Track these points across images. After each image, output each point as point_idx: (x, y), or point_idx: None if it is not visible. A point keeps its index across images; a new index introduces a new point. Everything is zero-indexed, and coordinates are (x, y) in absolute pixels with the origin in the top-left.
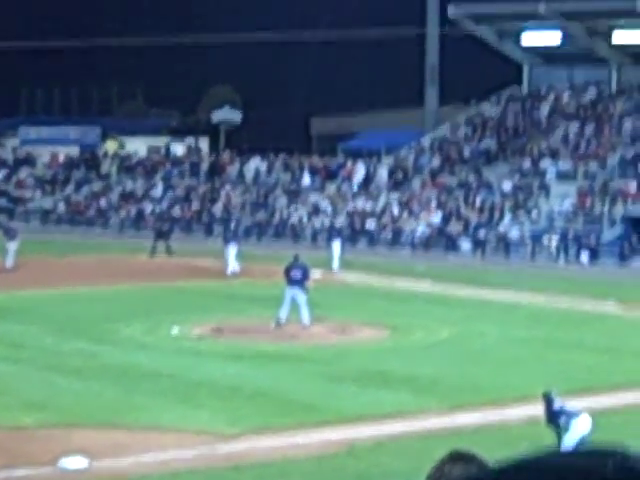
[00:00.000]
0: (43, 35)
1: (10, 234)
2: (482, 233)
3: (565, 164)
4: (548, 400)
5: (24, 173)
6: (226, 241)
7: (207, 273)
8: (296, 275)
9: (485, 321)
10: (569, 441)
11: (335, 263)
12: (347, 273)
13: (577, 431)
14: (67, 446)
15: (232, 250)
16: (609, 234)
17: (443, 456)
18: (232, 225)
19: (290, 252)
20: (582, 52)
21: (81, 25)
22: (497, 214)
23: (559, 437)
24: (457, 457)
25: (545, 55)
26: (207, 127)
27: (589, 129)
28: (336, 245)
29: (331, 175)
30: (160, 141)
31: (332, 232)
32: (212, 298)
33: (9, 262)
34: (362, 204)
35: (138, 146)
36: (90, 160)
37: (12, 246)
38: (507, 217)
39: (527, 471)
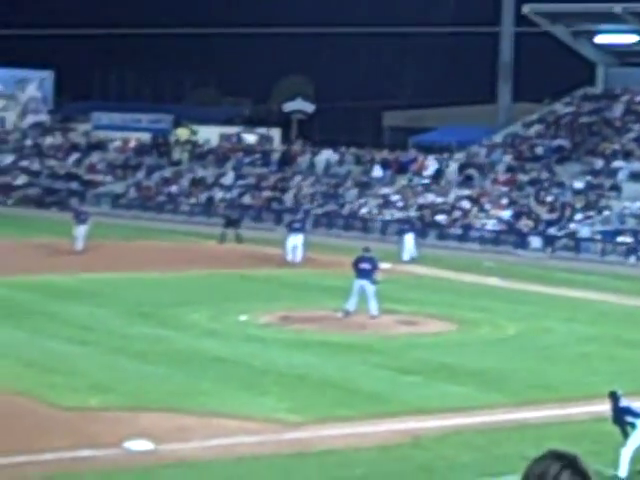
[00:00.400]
0: (119, 21)
1: (81, 218)
2: (552, 230)
3: (638, 165)
4: (615, 398)
5: (96, 157)
6: (292, 230)
7: (276, 261)
8: (365, 267)
9: (553, 318)
10: (635, 440)
11: (406, 254)
12: (416, 266)
13: None
14: (132, 429)
15: (296, 239)
16: None
17: (546, 454)
18: (299, 215)
19: (359, 243)
20: None
21: (158, 13)
22: (568, 212)
23: (625, 435)
24: (564, 461)
25: (620, 55)
26: (279, 117)
27: None
28: (409, 237)
29: (402, 169)
30: (232, 130)
31: (405, 224)
32: (280, 287)
33: (79, 245)
34: (432, 198)
35: (210, 134)
36: (162, 146)
37: (82, 230)
38: (578, 216)
39: None
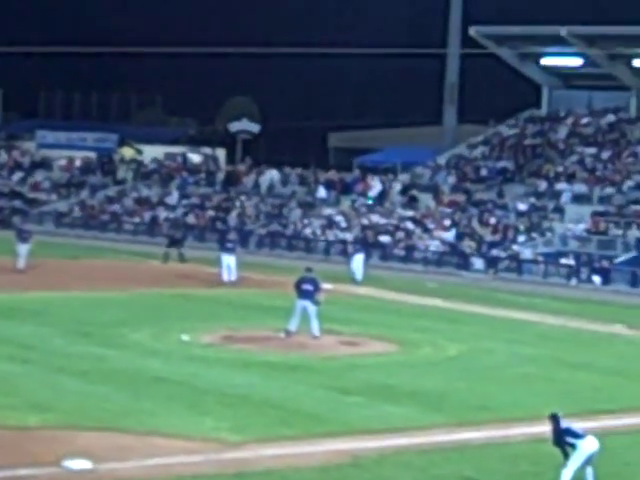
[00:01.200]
0: (65, 40)
1: (23, 236)
2: (495, 252)
3: (581, 187)
4: (555, 420)
5: (40, 176)
6: (224, 250)
7: (219, 282)
8: (307, 288)
9: (494, 339)
10: (576, 461)
11: (359, 275)
12: (358, 287)
13: (584, 451)
14: (71, 448)
15: (229, 259)
16: (622, 258)
17: None
18: (232, 235)
19: (303, 264)
20: (602, 76)
21: (104, 32)
22: (511, 234)
23: (566, 456)
24: None
25: (565, 78)
26: (224, 137)
27: (606, 153)
28: (359, 258)
29: (346, 189)
30: (177, 150)
31: (356, 245)
32: (223, 306)
33: (21, 263)
34: (376, 219)
35: (155, 154)
36: (106, 165)
37: (24, 248)
38: (521, 237)
39: None
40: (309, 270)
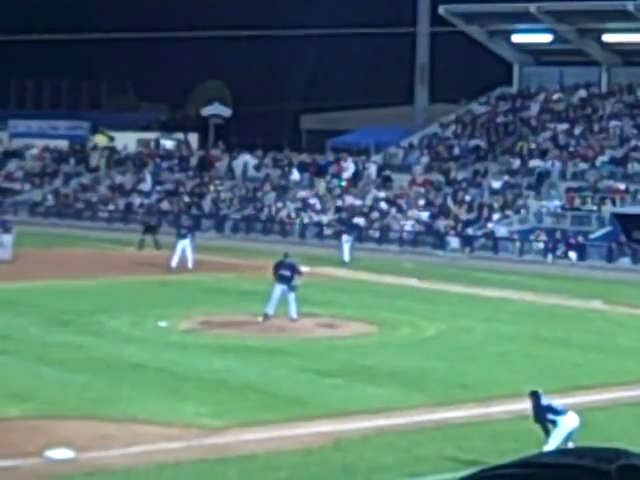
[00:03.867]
0: (33, 28)
1: (5, 227)
2: (470, 230)
3: (554, 163)
4: (536, 397)
5: (13, 166)
6: (180, 236)
7: (195, 267)
8: (285, 273)
9: (472, 317)
10: (557, 437)
11: (346, 256)
12: (335, 269)
13: (565, 427)
14: (52, 437)
15: (184, 244)
16: (597, 233)
17: None
18: (185, 221)
19: (278, 247)
20: (572, 52)
21: (72, 18)
22: (486, 212)
23: (547, 433)
24: None
25: (535, 54)
26: (197, 122)
27: (578, 129)
28: (346, 239)
29: (320, 171)
30: (150, 136)
31: (342, 226)
32: (199, 292)
33: (7, 254)
34: (351, 200)
35: (128, 140)
36: (79, 153)
37: (7, 238)
38: (496, 215)
39: (528, 468)
40: (286, 255)
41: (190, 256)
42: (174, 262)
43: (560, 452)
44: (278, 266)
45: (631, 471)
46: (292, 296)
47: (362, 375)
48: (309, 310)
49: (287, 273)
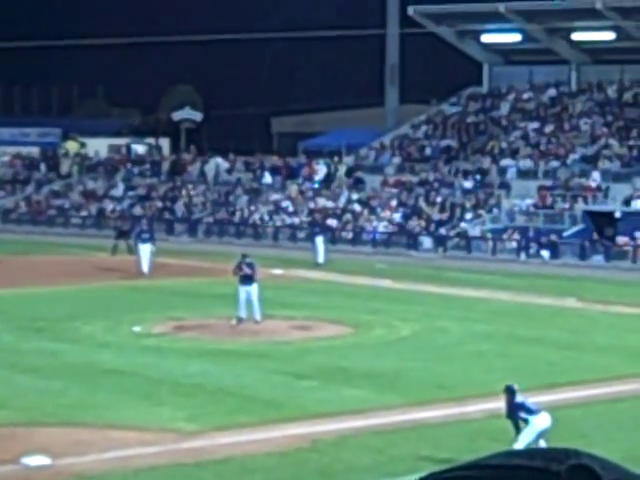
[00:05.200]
0: (2, 35)
1: None
2: (443, 230)
3: (525, 162)
4: (511, 392)
5: None
6: (141, 240)
7: (168, 271)
8: (246, 272)
9: (446, 317)
10: (527, 436)
11: (320, 257)
12: (309, 271)
13: (536, 427)
14: (29, 444)
15: (146, 248)
16: (570, 231)
17: None
18: (144, 225)
19: (252, 250)
20: (542, 51)
21: (42, 24)
22: (458, 212)
23: (518, 431)
24: None
25: (505, 54)
26: (168, 127)
27: (549, 128)
28: (319, 240)
29: (292, 174)
30: (121, 141)
31: (315, 228)
32: (172, 296)
33: None
34: (323, 203)
35: (99, 146)
36: (50, 160)
37: None
38: (468, 215)
39: (478, 470)
40: (245, 256)
41: (148, 262)
42: (145, 267)
43: (511, 453)
44: (238, 267)
45: (581, 470)
46: (256, 296)
47: (337, 376)
48: (283, 313)
49: (248, 271)
